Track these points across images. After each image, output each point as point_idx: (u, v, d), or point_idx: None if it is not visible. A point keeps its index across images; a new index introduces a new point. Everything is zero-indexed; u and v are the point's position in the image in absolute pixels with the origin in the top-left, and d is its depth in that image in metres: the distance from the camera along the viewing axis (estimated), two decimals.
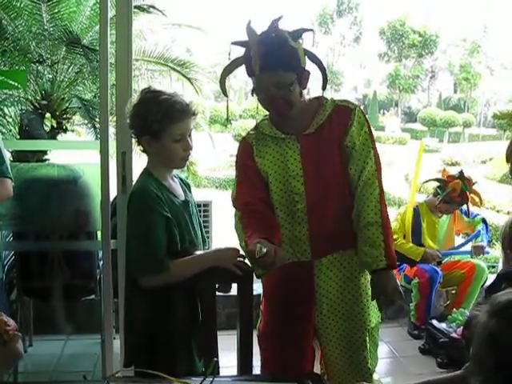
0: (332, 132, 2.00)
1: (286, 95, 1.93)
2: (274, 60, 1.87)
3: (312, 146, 2.00)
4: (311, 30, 1.97)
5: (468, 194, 3.86)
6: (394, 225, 4.04)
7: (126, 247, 1.98)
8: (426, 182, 4.25)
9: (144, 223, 1.88)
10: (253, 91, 1.99)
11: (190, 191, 2.13)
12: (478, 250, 3.97)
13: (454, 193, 3.83)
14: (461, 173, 3.94)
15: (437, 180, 3.98)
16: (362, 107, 2.06)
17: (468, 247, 4.08)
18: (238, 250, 1.96)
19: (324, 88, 2.04)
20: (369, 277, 2.08)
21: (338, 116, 2.01)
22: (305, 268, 2.07)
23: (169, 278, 1.88)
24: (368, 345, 2.11)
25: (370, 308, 2.11)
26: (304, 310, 2.11)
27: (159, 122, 1.86)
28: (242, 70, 1.99)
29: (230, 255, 1.94)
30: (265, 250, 1.71)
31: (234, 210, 2.09)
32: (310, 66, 2.00)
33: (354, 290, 2.08)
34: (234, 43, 1.97)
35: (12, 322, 1.44)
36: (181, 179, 2.11)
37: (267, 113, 2.08)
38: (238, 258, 1.94)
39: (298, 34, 1.93)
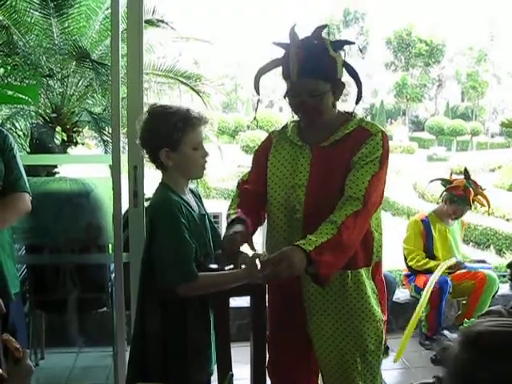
0: (345, 150, 1.94)
1: (318, 103, 1.91)
2: (312, 67, 1.86)
3: (323, 159, 1.97)
4: (353, 42, 1.98)
5: (471, 190, 3.86)
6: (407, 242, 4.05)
7: (157, 259, 1.88)
8: (432, 181, 4.26)
9: (174, 233, 1.84)
10: (285, 94, 1.97)
11: (201, 202, 2.12)
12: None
13: (456, 189, 3.85)
14: (465, 170, 3.98)
15: (441, 179, 4.01)
16: (368, 118, 2.01)
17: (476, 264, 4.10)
18: (262, 262, 1.79)
19: (357, 102, 2.02)
20: (367, 298, 2.00)
21: (356, 136, 1.96)
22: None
23: (198, 290, 1.85)
24: (360, 367, 2.00)
25: (367, 332, 2.00)
26: (295, 319, 2.06)
27: (180, 130, 1.85)
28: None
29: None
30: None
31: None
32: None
33: (345, 309, 2.00)
34: (275, 43, 1.95)
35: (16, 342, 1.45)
36: (191, 191, 2.08)
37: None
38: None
39: (339, 44, 1.92)
